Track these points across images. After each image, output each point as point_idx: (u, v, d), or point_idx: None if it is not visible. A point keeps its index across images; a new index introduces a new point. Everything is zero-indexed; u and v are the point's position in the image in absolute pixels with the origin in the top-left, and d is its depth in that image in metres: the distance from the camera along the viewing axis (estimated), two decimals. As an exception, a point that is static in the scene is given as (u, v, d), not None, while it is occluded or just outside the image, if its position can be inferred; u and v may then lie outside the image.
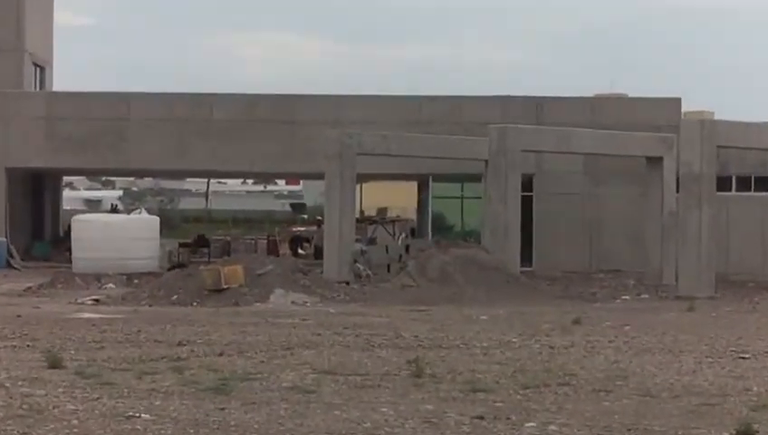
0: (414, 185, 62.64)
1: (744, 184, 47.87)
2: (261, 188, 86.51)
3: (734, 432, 13.81)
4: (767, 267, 44.32)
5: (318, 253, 45.17)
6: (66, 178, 66.36)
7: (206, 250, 51.48)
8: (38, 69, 58.49)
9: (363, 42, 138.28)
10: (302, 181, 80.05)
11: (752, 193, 47.79)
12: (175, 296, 36.91)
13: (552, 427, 14.39)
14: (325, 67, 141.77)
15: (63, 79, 62.03)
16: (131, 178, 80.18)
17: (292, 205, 79.86)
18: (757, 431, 13.78)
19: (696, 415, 15.33)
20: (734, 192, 46.82)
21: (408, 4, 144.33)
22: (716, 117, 43.61)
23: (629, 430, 14.19)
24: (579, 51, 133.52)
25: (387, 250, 44.88)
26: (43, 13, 60.02)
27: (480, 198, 49.52)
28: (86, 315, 31.22)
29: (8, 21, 54.90)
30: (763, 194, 47.71)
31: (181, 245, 51.67)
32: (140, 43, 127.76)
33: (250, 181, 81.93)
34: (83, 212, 61.20)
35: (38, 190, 57.91)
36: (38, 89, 57.67)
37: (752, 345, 24.14)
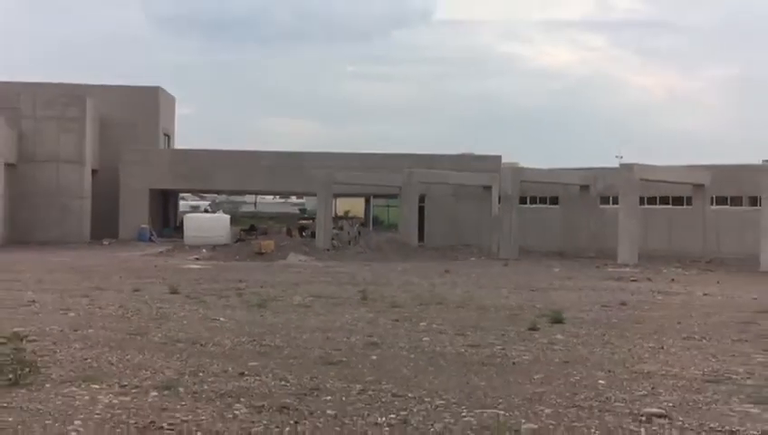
0: (363, 200, 62.65)
1: (534, 201, 48.13)
2: (283, 200, 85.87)
3: (527, 328, 13.98)
4: (545, 244, 44.61)
5: (313, 235, 45.04)
6: (180, 194, 65.65)
7: (254, 233, 51.00)
8: (166, 137, 58.02)
9: (340, 123, 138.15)
10: (305, 197, 79.48)
11: (538, 205, 48.13)
12: (237, 257, 36.87)
13: (434, 325, 14.48)
14: (319, 137, 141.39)
15: (179, 142, 61.40)
16: (215, 194, 79.37)
17: (299, 209, 79.47)
18: (539, 328, 13.95)
19: (509, 320, 15.50)
20: (528, 205, 47.07)
21: (365, 105, 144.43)
22: (521, 165, 43.91)
23: (473, 326, 14.32)
24: (453, 126, 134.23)
25: (348, 234, 44.84)
26: (169, 106, 59.68)
27: (397, 207, 49.60)
28: (191, 266, 31.08)
29: (150, 112, 54.57)
30: (543, 206, 48.07)
31: (241, 230, 51.24)
32: (220, 122, 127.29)
33: (278, 196, 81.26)
34: (190, 212, 60.66)
35: (166, 200, 57.36)
36: (166, 147, 57.20)
37: (537, 284, 24.38)
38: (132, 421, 7.37)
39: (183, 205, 69.91)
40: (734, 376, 10.02)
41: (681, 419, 7.80)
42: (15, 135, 46.32)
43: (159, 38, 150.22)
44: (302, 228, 52.06)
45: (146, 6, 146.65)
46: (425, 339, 12.74)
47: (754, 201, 38.81)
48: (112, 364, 10.15)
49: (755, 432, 7.37)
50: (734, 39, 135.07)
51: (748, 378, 9.93)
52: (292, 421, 7.46)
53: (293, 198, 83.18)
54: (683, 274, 30.91)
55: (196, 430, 7.14)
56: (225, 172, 51.61)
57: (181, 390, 8.71)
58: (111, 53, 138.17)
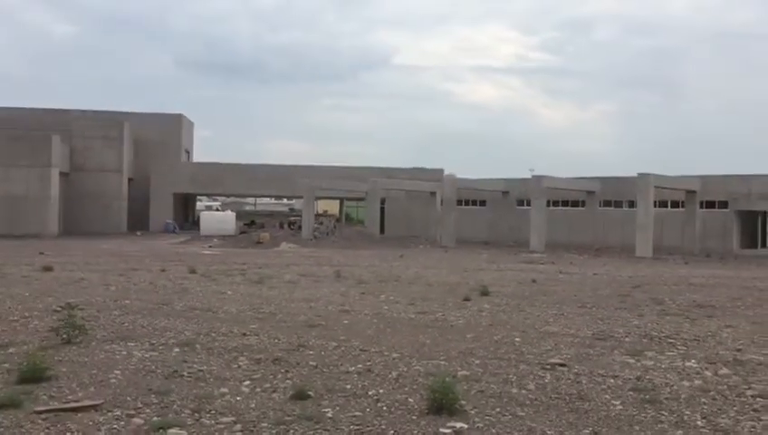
0: (338, 201, 62.38)
1: (467, 203, 48.32)
2: (277, 201, 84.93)
3: (462, 299, 14.01)
4: (476, 235, 44.84)
5: (299, 228, 44.79)
6: (197, 196, 64.70)
7: (254, 226, 50.56)
8: (186, 153, 57.27)
9: (320, 143, 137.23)
10: (293, 199, 78.71)
11: (470, 206, 48.33)
12: (242, 245, 36.53)
13: (391, 297, 14.43)
14: (305, 154, 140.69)
15: (197, 157, 60.53)
16: (224, 197, 78.31)
17: (289, 209, 78.74)
18: (471, 299, 13.95)
19: (448, 293, 15.47)
20: (463, 206, 47.24)
21: (339, 129, 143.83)
22: (458, 176, 43.91)
23: (421, 298, 14.28)
24: (405, 145, 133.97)
25: (326, 227, 44.70)
26: (189, 129, 58.99)
27: (364, 207, 49.45)
28: (205, 252, 30.69)
29: (174, 133, 53.89)
30: (474, 207, 48.25)
31: (244, 224, 50.74)
32: (229, 142, 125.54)
33: (273, 198, 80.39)
34: (204, 210, 59.87)
35: (186, 201, 56.64)
36: (186, 161, 56.34)
37: (470, 266, 24.46)
38: (159, 371, 7.30)
39: (199, 205, 69.01)
40: (616, 335, 10.17)
41: (577, 367, 7.91)
42: (69, 150, 46.16)
43: (183, 77, 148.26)
44: (291, 223, 51.65)
45: (173, 53, 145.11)
46: (384, 307, 12.71)
47: (632, 204, 39.54)
48: (144, 327, 10.00)
49: (631, 376, 7.51)
50: (614, 83, 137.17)
51: (626, 336, 10.09)
52: (283, 370, 7.44)
53: (285, 200, 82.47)
54: (578, 258, 31.32)
55: (209, 377, 7.08)
56: (232, 180, 51.25)
57: (197, 346, 8.62)
58: (145, 87, 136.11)
